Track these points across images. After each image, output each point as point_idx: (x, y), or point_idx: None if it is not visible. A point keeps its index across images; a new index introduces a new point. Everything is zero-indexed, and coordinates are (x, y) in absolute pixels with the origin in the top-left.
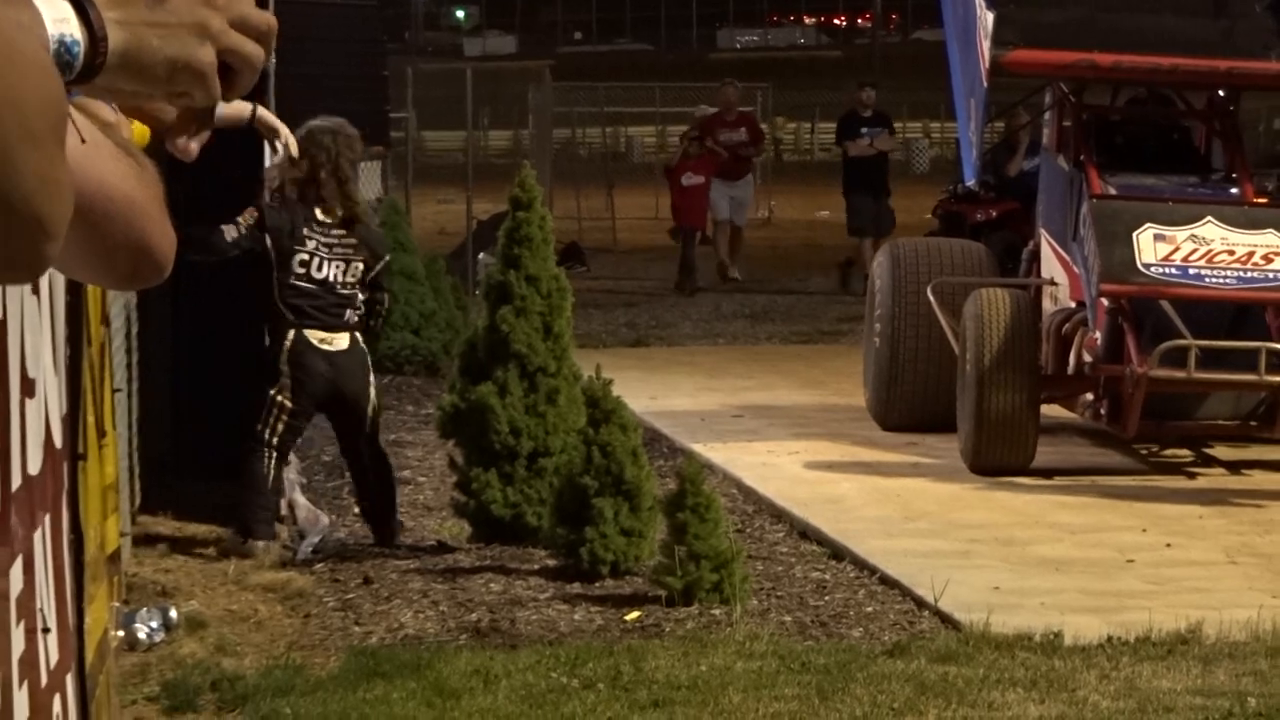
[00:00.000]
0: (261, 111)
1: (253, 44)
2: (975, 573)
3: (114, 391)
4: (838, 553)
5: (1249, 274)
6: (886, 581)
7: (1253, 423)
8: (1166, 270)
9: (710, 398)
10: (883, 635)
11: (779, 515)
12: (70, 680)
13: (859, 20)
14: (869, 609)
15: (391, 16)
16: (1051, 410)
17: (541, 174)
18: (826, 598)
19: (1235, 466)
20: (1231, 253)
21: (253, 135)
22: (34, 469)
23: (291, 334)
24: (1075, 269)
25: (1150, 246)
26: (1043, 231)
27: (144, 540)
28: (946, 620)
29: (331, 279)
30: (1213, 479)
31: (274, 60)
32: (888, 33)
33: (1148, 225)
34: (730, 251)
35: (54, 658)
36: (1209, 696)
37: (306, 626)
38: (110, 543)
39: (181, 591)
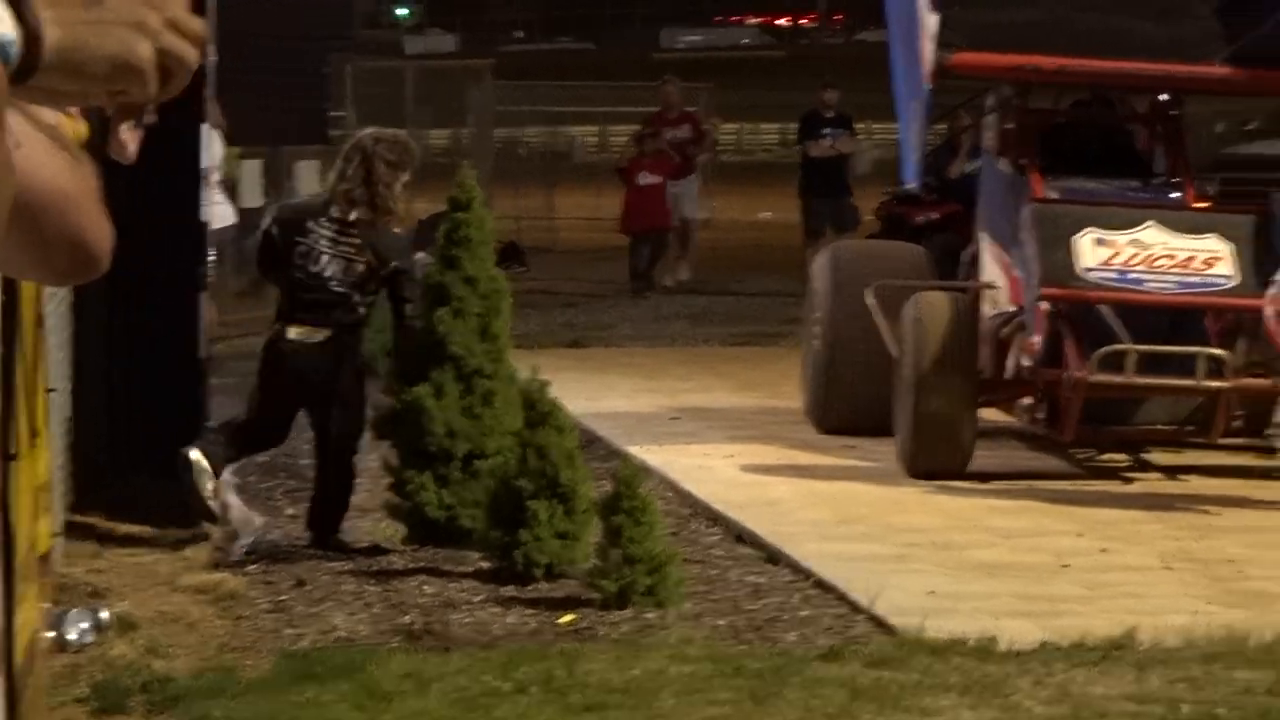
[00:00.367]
0: None
1: (187, 44)
2: (911, 577)
3: (48, 391)
4: (773, 556)
5: (1189, 279)
6: (822, 585)
7: (1190, 428)
8: (1106, 275)
9: (648, 399)
10: (817, 639)
11: (715, 518)
12: None
13: (802, 21)
14: (804, 613)
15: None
16: (989, 414)
17: (482, 173)
18: (761, 602)
19: (1172, 472)
20: (1172, 257)
21: (191, 132)
22: None
23: (278, 325)
24: (1015, 273)
25: (1090, 251)
26: (983, 235)
27: (76, 536)
28: (881, 625)
29: (327, 275)
30: (1149, 484)
31: (215, 57)
32: (831, 33)
33: (1088, 230)
34: (680, 250)
35: None
36: (1142, 703)
37: (238, 628)
38: (42, 543)
39: (113, 592)
